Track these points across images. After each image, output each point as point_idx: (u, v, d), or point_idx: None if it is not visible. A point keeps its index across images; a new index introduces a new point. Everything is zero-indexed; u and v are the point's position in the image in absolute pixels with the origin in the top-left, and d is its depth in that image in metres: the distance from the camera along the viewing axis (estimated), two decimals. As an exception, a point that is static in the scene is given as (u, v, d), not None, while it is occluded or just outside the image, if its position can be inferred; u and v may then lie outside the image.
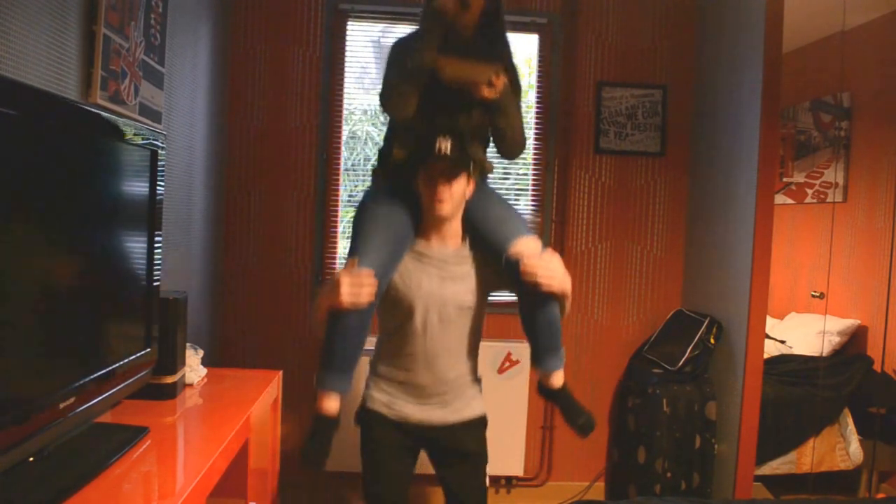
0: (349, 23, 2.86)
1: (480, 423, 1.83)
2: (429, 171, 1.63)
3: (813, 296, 3.14)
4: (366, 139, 3.06)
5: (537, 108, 2.94)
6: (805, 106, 3.30)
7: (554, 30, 2.90)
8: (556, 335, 1.73)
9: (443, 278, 1.71)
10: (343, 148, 2.90)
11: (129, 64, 1.69)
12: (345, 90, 2.87)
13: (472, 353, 1.81)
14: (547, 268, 1.61)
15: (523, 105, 2.93)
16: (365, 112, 2.96)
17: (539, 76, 2.93)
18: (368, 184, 1.94)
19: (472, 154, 1.70)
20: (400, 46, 1.77)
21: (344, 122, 2.89)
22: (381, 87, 1.77)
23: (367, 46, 2.94)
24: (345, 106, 2.88)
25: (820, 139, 3.23)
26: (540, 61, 2.94)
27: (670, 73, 2.96)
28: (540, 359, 1.75)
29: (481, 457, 1.82)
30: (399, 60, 1.72)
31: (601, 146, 2.93)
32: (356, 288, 1.55)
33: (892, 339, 2.80)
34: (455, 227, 1.74)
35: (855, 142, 3.08)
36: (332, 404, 1.67)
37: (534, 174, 2.95)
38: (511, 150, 1.84)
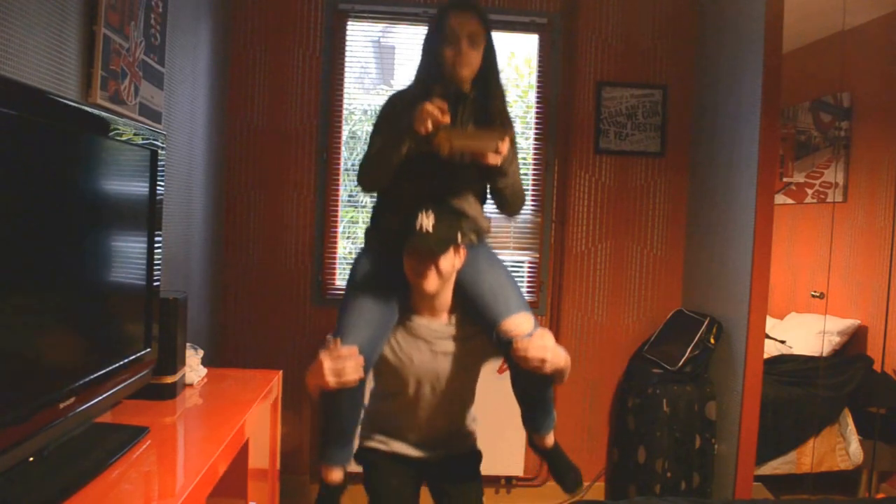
0: (349, 23, 2.86)
1: (476, 456, 1.88)
2: (412, 248, 1.57)
3: (813, 296, 3.14)
4: (366, 139, 3.05)
5: (537, 108, 2.94)
6: (805, 106, 3.30)
7: (554, 30, 2.90)
8: (549, 404, 1.74)
9: (434, 353, 1.68)
10: (343, 148, 2.90)
11: (129, 64, 1.69)
12: (345, 90, 2.87)
13: (468, 406, 1.84)
14: (538, 350, 1.53)
15: (522, 96, 2.95)
16: (365, 112, 2.96)
17: (539, 76, 2.93)
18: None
19: (464, 213, 1.67)
20: (390, 107, 1.73)
21: (344, 122, 2.90)
22: (365, 151, 1.73)
23: (367, 46, 2.94)
24: (345, 106, 2.88)
25: (820, 139, 3.23)
26: (540, 61, 2.93)
27: (670, 73, 2.96)
28: (531, 425, 1.77)
29: (477, 485, 1.84)
30: (388, 124, 1.68)
31: (601, 146, 2.93)
32: (339, 368, 1.52)
33: (892, 339, 2.80)
34: (445, 298, 1.69)
35: (855, 142, 3.08)
36: (336, 475, 1.70)
37: (534, 174, 2.95)
38: (511, 208, 1.79)
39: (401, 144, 1.58)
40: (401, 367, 1.68)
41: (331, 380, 1.52)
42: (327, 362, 1.52)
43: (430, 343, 1.68)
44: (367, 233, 1.82)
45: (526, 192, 2.77)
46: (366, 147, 1.75)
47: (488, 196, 1.81)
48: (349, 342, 1.56)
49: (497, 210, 1.81)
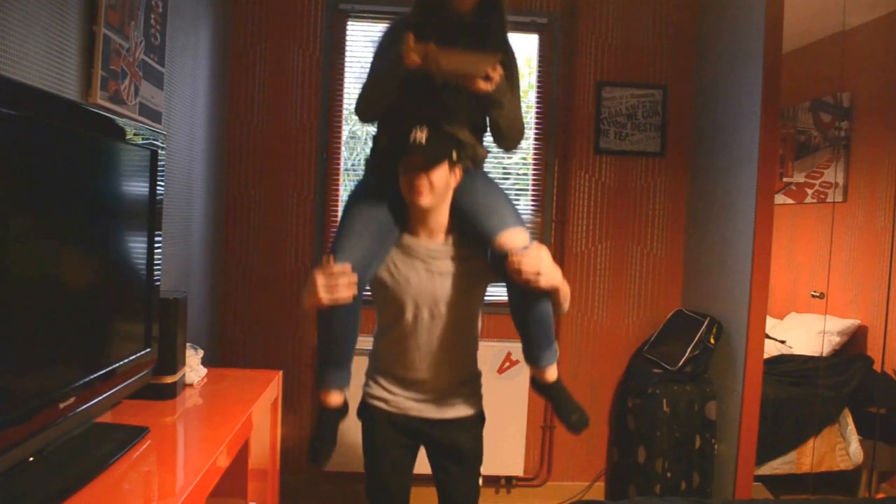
0: (349, 23, 2.86)
1: (478, 420, 1.82)
2: (406, 163, 1.59)
3: (813, 296, 3.14)
4: (366, 139, 3.05)
5: (537, 108, 2.94)
6: (805, 106, 3.30)
7: (554, 30, 2.90)
8: (548, 331, 1.67)
9: (431, 273, 1.67)
10: (343, 148, 2.90)
11: (129, 64, 1.69)
12: (345, 90, 2.87)
13: (470, 348, 1.79)
14: (532, 262, 1.53)
15: (522, 96, 2.94)
16: (365, 112, 2.96)
17: (539, 76, 2.93)
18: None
19: (459, 139, 1.66)
20: (391, 35, 1.71)
21: (344, 122, 2.90)
22: (364, 81, 1.73)
23: (367, 46, 2.94)
24: (345, 106, 2.88)
25: (820, 139, 3.23)
26: (540, 61, 2.94)
27: (670, 73, 2.96)
28: (532, 355, 1.70)
29: (477, 456, 1.80)
30: (385, 53, 1.67)
31: (601, 146, 2.93)
32: (332, 285, 1.54)
33: (892, 339, 2.80)
34: (442, 218, 1.68)
35: (855, 142, 3.08)
36: (334, 398, 1.67)
37: (534, 174, 2.95)
38: (507, 142, 1.78)
39: (393, 76, 1.59)
40: (398, 290, 1.67)
41: (324, 296, 1.53)
42: (320, 279, 1.54)
43: (427, 262, 1.67)
44: (366, 162, 1.83)
45: (529, 191, 2.75)
46: (366, 77, 1.74)
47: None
48: (342, 260, 1.57)
49: (494, 143, 1.80)
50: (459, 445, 1.77)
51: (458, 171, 1.64)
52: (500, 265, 1.58)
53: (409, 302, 1.67)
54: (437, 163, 1.57)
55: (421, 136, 1.55)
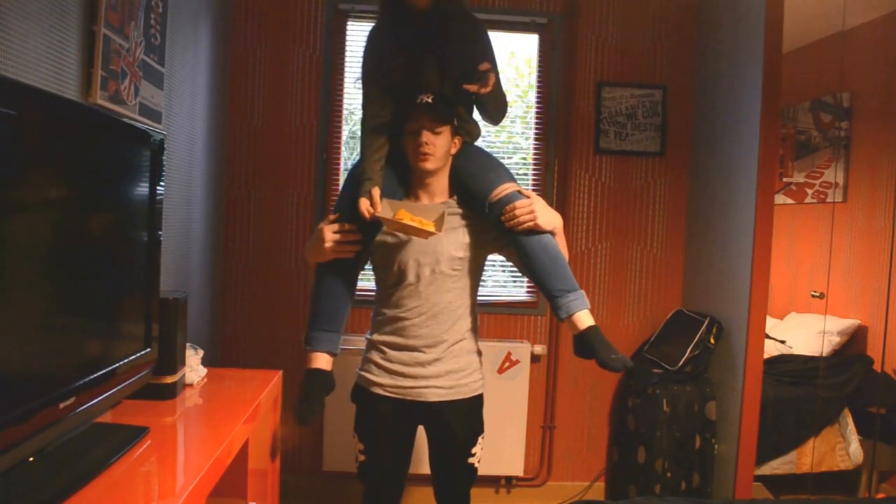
0: (349, 23, 2.86)
1: (476, 403, 1.80)
2: (413, 124, 1.66)
3: (813, 296, 3.14)
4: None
5: (537, 108, 2.94)
6: (805, 106, 3.30)
7: (554, 30, 2.90)
8: (564, 273, 1.64)
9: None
10: (343, 148, 2.90)
11: (129, 64, 1.69)
12: (345, 90, 2.87)
13: (470, 316, 1.77)
14: (525, 204, 1.62)
15: (522, 96, 2.95)
16: (365, 112, 2.96)
17: (539, 76, 2.93)
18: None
19: (457, 111, 1.74)
20: (374, 66, 1.79)
21: (344, 122, 2.90)
22: (362, 131, 1.79)
23: (367, 46, 2.94)
24: (345, 106, 2.88)
25: (820, 139, 3.23)
26: (540, 61, 2.93)
27: (670, 73, 2.96)
28: (557, 304, 1.63)
29: (472, 436, 1.78)
30: (374, 70, 1.79)
31: (601, 146, 2.93)
32: (338, 236, 1.62)
33: (892, 339, 2.80)
34: (442, 183, 1.75)
35: (855, 142, 3.08)
36: (322, 361, 1.69)
37: (534, 174, 2.95)
38: (494, 116, 1.87)
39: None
40: (400, 248, 1.70)
41: (329, 245, 1.62)
42: (327, 230, 1.64)
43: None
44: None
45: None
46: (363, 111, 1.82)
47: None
48: (346, 221, 1.66)
49: (482, 117, 1.89)
50: (455, 429, 1.75)
51: (458, 141, 1.74)
52: (497, 218, 1.66)
53: (411, 259, 1.70)
54: (444, 120, 1.66)
55: (428, 98, 1.65)
